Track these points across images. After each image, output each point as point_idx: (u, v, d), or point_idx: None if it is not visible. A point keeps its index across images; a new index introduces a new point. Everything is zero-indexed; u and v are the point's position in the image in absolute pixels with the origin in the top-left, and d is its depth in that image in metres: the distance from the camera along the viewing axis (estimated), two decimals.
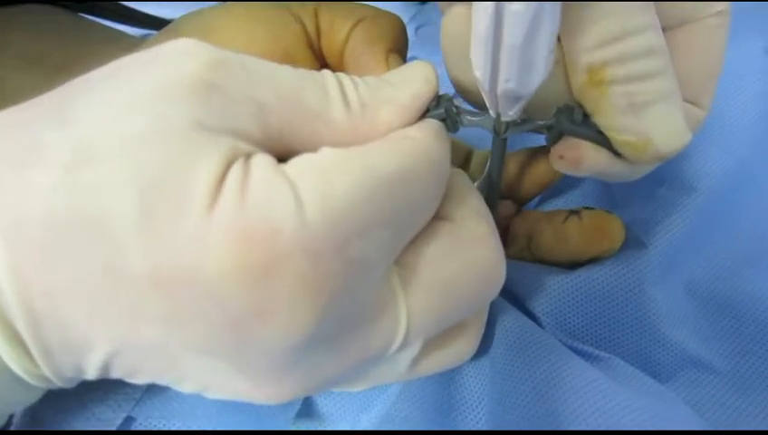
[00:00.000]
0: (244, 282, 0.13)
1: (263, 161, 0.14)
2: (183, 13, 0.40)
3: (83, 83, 0.14)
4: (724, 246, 0.25)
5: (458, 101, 0.18)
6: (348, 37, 0.22)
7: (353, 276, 0.14)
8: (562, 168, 0.19)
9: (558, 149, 0.19)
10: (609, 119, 0.17)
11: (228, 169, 0.13)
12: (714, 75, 0.19)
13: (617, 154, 0.18)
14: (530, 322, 0.22)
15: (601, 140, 0.18)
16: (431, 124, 0.17)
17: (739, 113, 0.25)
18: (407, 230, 0.16)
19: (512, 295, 0.24)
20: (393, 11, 0.41)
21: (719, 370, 0.23)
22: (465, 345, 0.19)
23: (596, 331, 0.23)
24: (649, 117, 0.17)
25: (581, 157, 0.18)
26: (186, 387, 0.15)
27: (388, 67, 0.21)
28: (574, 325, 0.23)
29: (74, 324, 0.13)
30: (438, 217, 0.17)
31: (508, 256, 0.25)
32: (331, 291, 0.13)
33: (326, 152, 0.14)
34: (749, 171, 0.25)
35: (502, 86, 0.15)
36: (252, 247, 0.13)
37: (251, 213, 0.13)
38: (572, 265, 0.24)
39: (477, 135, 0.23)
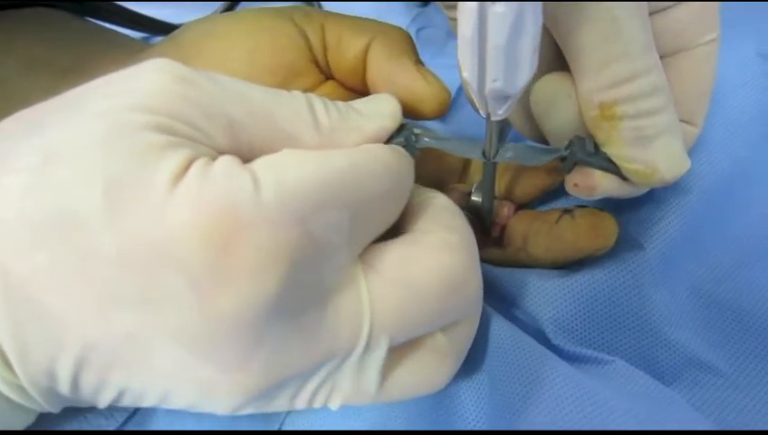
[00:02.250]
0: (207, 248, 0.13)
1: (226, 157, 0.15)
2: (185, 15, 0.41)
3: (62, 98, 0.16)
4: (725, 248, 0.25)
5: (418, 130, 0.19)
6: (367, 55, 0.23)
7: (313, 251, 0.15)
8: (577, 194, 0.21)
9: (572, 178, 0.21)
10: (620, 150, 0.19)
11: (191, 163, 0.14)
12: (706, 95, 0.21)
13: (625, 179, 0.20)
14: (526, 337, 0.22)
15: (612, 168, 0.20)
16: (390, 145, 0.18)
17: (735, 115, 0.26)
18: (365, 220, 0.17)
19: (513, 303, 0.25)
20: (395, 13, 0.42)
21: (723, 371, 0.23)
22: (438, 370, 0.19)
23: (599, 334, 0.23)
24: (655, 148, 0.19)
25: (595, 184, 0.21)
26: (153, 393, 0.16)
27: (422, 75, 0.23)
28: (577, 330, 0.23)
29: (50, 318, 0.14)
30: (410, 230, 0.18)
31: (506, 257, 0.26)
32: (290, 259, 0.14)
33: (284, 151, 0.16)
34: (747, 173, 0.26)
35: (489, 86, 0.16)
36: (213, 216, 0.13)
37: (212, 189, 0.14)
38: (571, 265, 0.24)
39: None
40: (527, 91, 0.22)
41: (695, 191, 0.24)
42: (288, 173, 0.15)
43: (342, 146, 0.17)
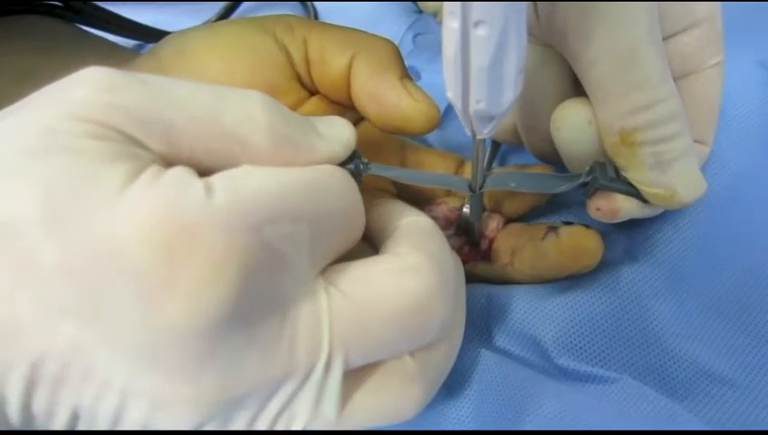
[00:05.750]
0: (154, 253, 0.13)
1: (179, 167, 0.15)
2: (183, 20, 0.41)
3: (10, 109, 0.15)
4: (733, 256, 0.25)
5: (365, 159, 0.20)
6: (350, 71, 0.23)
7: (268, 261, 0.15)
8: (600, 218, 0.22)
9: (595, 203, 0.22)
10: (641, 174, 0.21)
11: (141, 172, 0.14)
12: (714, 115, 0.23)
13: (645, 202, 0.21)
14: (513, 363, 0.22)
15: (633, 191, 0.21)
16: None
17: (736, 125, 0.26)
18: (324, 235, 0.17)
19: (512, 325, 0.25)
20: (392, 18, 0.42)
21: (737, 383, 0.23)
22: (405, 397, 0.18)
23: (604, 351, 0.24)
24: (674, 172, 0.20)
25: (618, 208, 0.22)
26: (106, 409, 0.15)
27: (408, 93, 0.23)
28: (582, 348, 0.23)
29: None
30: (385, 251, 0.19)
31: (494, 272, 0.26)
32: (242, 266, 0.14)
33: (242, 166, 0.16)
34: (750, 181, 0.26)
35: (473, 106, 0.16)
36: (160, 220, 0.13)
37: (160, 194, 0.14)
38: (564, 280, 0.24)
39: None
40: (538, 111, 0.23)
41: (699, 202, 0.25)
42: (242, 182, 0.15)
43: (293, 163, 0.17)
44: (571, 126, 0.21)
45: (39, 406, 0.14)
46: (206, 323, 0.14)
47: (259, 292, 0.15)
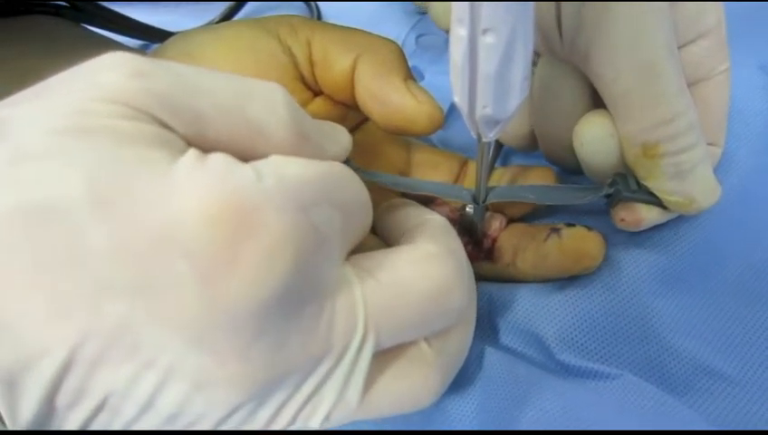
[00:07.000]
0: (214, 232, 0.13)
1: (220, 153, 0.15)
2: (186, 21, 0.41)
3: (25, 94, 0.15)
4: (733, 256, 0.25)
5: (356, 164, 0.21)
6: (354, 72, 0.24)
7: (315, 242, 0.15)
8: (625, 228, 0.24)
9: (619, 214, 0.24)
10: (661, 184, 0.22)
11: (180, 153, 0.15)
12: (724, 118, 0.24)
13: (665, 208, 0.23)
14: (516, 360, 0.23)
15: (654, 200, 0.22)
16: None
17: (740, 128, 0.27)
18: (350, 222, 0.17)
19: (514, 322, 0.25)
20: (395, 19, 0.42)
21: (736, 379, 0.23)
22: (423, 384, 0.19)
23: (605, 347, 0.24)
24: (692, 180, 0.22)
25: (641, 218, 0.23)
26: (139, 393, 0.14)
27: (411, 94, 0.23)
28: (582, 344, 0.24)
29: (29, 326, 0.13)
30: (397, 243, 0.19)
31: (496, 271, 0.26)
32: (298, 246, 0.15)
33: (271, 156, 0.16)
34: (754, 183, 0.26)
35: (479, 111, 0.17)
36: (220, 200, 0.14)
37: (214, 174, 0.14)
38: (566, 279, 0.25)
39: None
40: (557, 121, 0.24)
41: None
42: (285, 167, 0.15)
43: (303, 156, 0.17)
44: (594, 139, 0.22)
45: (65, 395, 0.14)
46: (264, 301, 0.14)
47: (308, 272, 0.15)
